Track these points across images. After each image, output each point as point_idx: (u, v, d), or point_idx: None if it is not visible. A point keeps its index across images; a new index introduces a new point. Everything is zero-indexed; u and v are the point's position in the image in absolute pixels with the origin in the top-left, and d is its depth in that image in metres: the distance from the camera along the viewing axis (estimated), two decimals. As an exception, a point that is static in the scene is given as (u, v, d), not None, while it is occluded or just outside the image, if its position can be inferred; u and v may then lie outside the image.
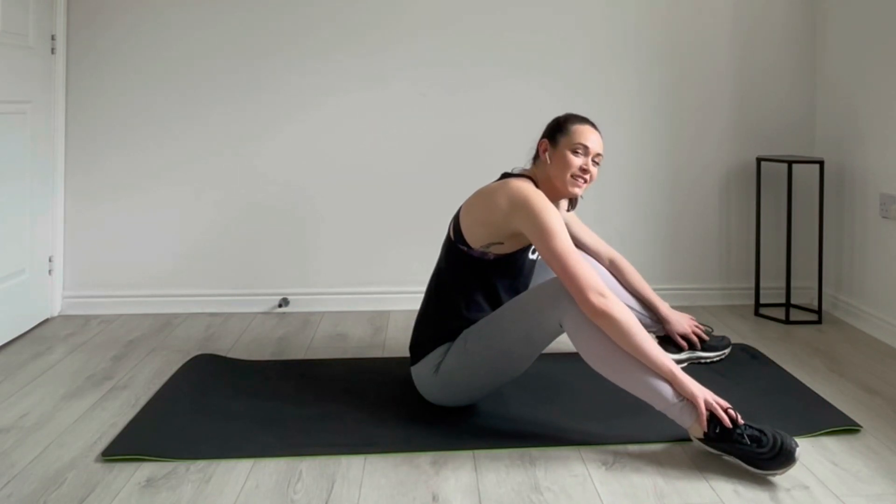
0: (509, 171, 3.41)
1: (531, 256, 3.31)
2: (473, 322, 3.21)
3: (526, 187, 3.11)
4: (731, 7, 5.03)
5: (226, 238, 4.86)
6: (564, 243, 2.99)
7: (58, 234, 4.70)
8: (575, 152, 3.21)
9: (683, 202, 5.08)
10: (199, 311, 4.84)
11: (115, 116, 4.78)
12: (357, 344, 4.27)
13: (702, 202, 5.09)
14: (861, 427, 3.12)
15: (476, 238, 3.15)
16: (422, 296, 4.90)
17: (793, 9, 5.05)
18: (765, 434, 2.83)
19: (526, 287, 3.37)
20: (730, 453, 2.87)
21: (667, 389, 2.89)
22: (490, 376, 3.15)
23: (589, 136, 3.24)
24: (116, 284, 4.80)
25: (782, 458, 2.82)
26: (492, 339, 3.09)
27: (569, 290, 2.96)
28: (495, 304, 3.27)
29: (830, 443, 3.01)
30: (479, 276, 3.20)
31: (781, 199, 5.09)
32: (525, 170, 3.37)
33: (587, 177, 3.21)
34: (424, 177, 4.95)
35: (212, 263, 4.86)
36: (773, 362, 3.89)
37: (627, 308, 2.97)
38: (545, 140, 3.32)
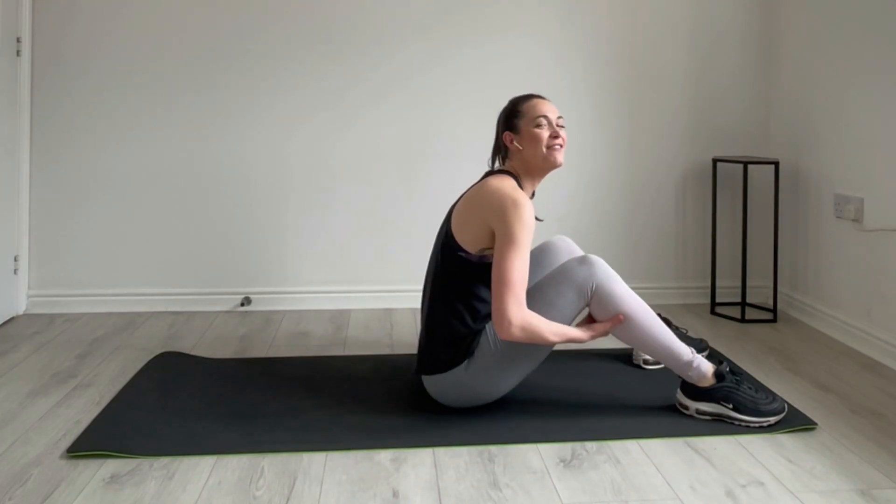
0: (489, 169, 3.43)
1: None
2: (488, 323, 3.22)
3: (507, 186, 3.13)
4: (689, 10, 5.09)
5: (189, 237, 4.87)
6: (521, 262, 3.03)
7: (23, 233, 4.69)
8: (539, 126, 3.27)
9: (641, 202, 5.13)
10: (163, 309, 4.85)
11: (80, 118, 4.77)
12: (318, 342, 4.29)
13: (659, 202, 5.15)
14: (816, 424, 3.16)
15: (471, 243, 3.14)
16: (380, 294, 4.96)
17: (749, 13, 5.12)
18: (751, 386, 3.20)
19: None
20: (728, 402, 3.15)
21: (683, 350, 3.21)
22: (526, 364, 3.19)
23: (544, 107, 3.31)
24: (80, 283, 4.80)
25: (777, 404, 3.15)
26: None
27: (492, 303, 3.03)
28: None
29: (786, 440, 3.05)
30: (483, 279, 3.18)
31: (737, 199, 5.16)
32: (503, 167, 3.38)
33: (560, 141, 3.27)
34: (387, 177, 4.98)
35: (175, 263, 4.87)
36: (729, 360, 3.94)
37: (542, 326, 3.05)
38: (507, 132, 3.33)
